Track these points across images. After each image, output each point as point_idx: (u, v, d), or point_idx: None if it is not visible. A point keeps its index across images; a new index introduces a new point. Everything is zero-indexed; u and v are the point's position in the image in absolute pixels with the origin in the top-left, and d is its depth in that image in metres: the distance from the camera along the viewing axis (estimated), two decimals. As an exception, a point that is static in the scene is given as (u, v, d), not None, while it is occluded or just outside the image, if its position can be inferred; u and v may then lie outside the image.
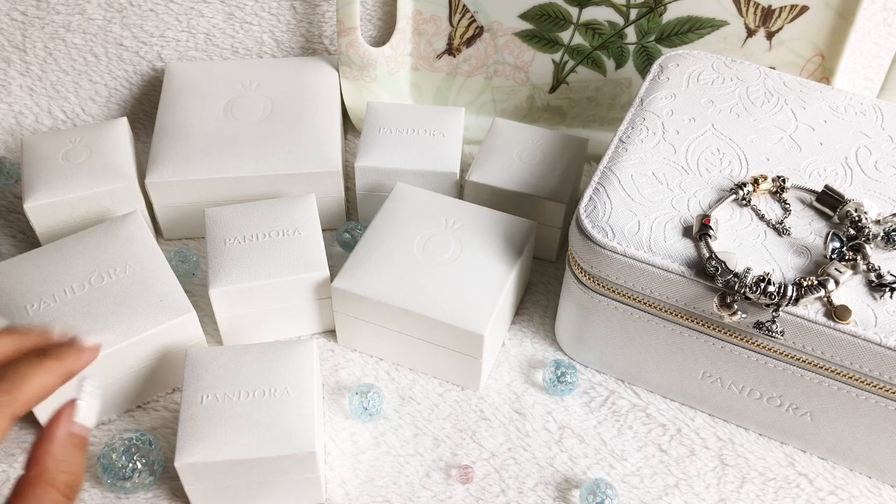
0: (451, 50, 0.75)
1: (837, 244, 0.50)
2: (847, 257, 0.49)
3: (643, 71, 0.74)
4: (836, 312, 0.48)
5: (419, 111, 0.69)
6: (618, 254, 0.51)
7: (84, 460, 0.38)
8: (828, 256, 0.49)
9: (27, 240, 0.68)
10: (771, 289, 0.47)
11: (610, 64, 0.74)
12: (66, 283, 0.55)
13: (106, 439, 0.53)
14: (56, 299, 0.54)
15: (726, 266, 0.49)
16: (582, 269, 0.54)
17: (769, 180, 0.54)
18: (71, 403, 0.39)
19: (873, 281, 0.49)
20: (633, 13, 0.70)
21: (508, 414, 0.58)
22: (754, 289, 0.48)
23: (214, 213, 0.61)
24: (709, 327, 0.52)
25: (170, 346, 0.55)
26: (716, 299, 0.49)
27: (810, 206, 0.54)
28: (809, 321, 0.48)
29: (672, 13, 0.70)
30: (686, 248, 0.51)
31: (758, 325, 0.49)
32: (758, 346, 0.51)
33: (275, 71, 0.72)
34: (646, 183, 0.54)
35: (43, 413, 0.53)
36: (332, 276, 0.58)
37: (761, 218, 0.53)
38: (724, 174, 0.55)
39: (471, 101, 0.77)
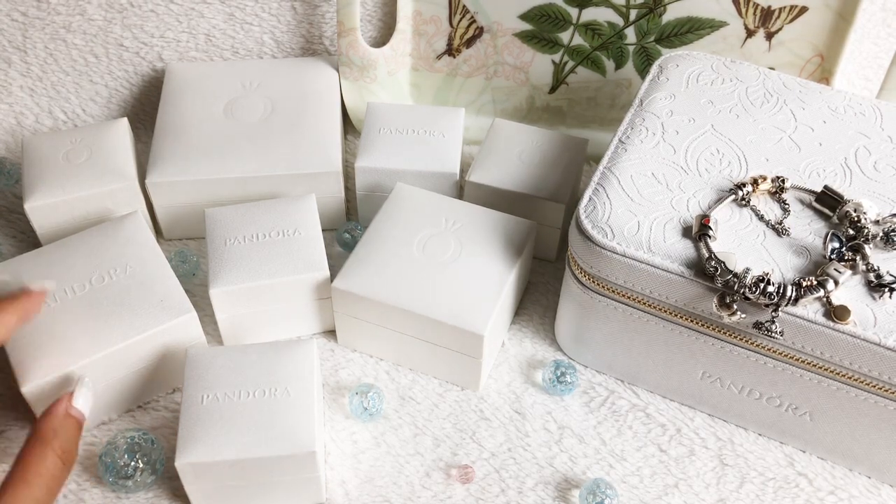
0: (450, 50, 0.75)
1: (837, 244, 0.50)
2: (846, 257, 0.49)
3: (643, 71, 0.74)
4: (836, 312, 0.48)
5: (419, 111, 0.69)
6: (617, 254, 0.52)
7: (78, 438, 0.47)
8: (827, 257, 0.49)
9: (27, 240, 0.68)
10: (770, 289, 0.48)
11: (610, 64, 0.74)
12: (66, 283, 0.55)
13: (107, 438, 0.53)
14: (56, 299, 0.54)
15: (726, 266, 0.49)
16: (582, 269, 0.54)
17: (768, 181, 0.54)
18: (70, 393, 0.48)
19: (872, 281, 0.49)
20: (633, 14, 0.71)
21: (508, 414, 0.58)
22: (754, 289, 0.48)
23: (214, 214, 0.61)
24: (708, 327, 0.52)
25: (170, 346, 0.55)
26: (715, 299, 0.49)
27: (810, 206, 0.54)
28: (809, 321, 0.48)
29: (672, 14, 0.70)
30: (686, 248, 0.51)
31: (757, 326, 0.49)
32: (757, 346, 0.51)
33: (275, 71, 0.72)
34: (645, 183, 0.54)
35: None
36: (332, 276, 0.58)
37: (761, 218, 0.53)
38: (723, 174, 0.55)
39: (471, 101, 0.77)
